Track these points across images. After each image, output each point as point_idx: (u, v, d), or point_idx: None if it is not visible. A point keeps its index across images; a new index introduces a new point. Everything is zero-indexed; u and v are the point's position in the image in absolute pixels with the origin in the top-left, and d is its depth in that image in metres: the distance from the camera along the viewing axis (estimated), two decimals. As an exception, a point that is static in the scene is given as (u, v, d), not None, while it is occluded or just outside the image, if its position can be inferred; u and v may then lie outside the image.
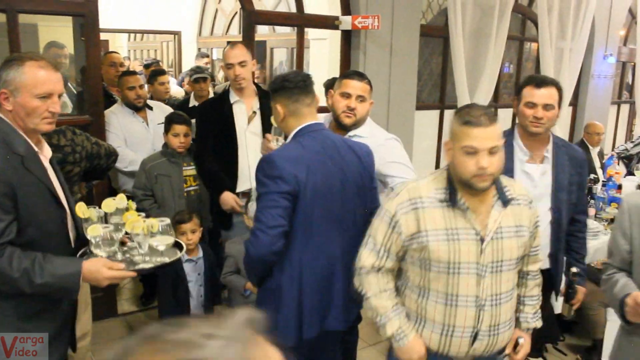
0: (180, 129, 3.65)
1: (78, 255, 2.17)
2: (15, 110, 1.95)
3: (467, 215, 1.97)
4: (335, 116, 2.87)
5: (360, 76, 2.90)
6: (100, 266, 2.00)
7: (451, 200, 1.97)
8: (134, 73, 4.31)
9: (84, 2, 3.62)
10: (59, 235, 2.09)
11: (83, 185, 3.27)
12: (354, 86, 2.83)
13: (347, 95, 2.83)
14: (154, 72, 5.44)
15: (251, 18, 4.30)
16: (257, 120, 3.56)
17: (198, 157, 3.64)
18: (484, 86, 5.47)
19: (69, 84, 4.52)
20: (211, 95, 5.05)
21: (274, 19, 5.05)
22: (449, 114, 5.72)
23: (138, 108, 4.20)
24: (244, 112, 3.54)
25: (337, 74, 4.80)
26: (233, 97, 3.52)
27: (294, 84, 2.33)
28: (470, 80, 5.34)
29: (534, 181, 2.74)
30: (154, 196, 3.65)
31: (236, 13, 8.09)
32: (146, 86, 5.13)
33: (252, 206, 2.68)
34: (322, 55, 5.54)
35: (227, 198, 3.37)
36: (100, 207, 2.26)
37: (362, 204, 2.41)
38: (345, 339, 2.75)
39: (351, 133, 2.82)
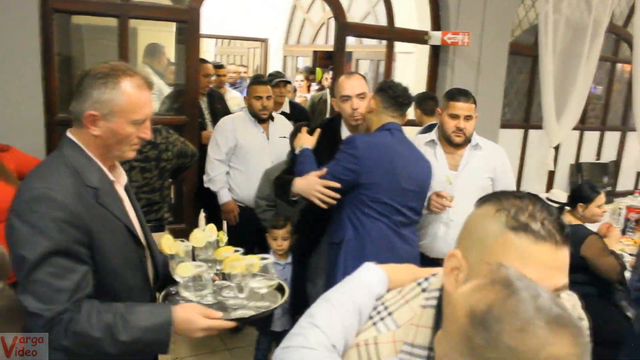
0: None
1: (161, 298, 1.87)
2: (104, 136, 1.62)
3: None
4: (445, 135, 3.10)
5: (466, 96, 3.06)
6: (194, 314, 1.63)
7: None
8: (263, 83, 4.15)
9: (187, 10, 3.86)
10: (137, 279, 1.75)
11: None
12: (461, 107, 3.03)
13: (455, 117, 3.04)
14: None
15: (344, 30, 4.42)
16: None
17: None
18: (571, 107, 5.37)
19: (164, 83, 4.80)
20: (286, 102, 5.09)
21: (365, 31, 5.15)
22: (533, 133, 5.66)
23: (262, 119, 4.03)
24: None
25: (423, 88, 4.86)
26: (345, 131, 3.08)
27: (394, 95, 2.78)
28: (557, 100, 5.26)
29: None
30: (277, 207, 3.57)
31: (324, 23, 8.26)
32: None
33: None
34: (409, 69, 5.59)
35: (306, 180, 2.95)
36: (187, 240, 1.92)
37: (417, 204, 2.81)
38: None
39: (473, 143, 3.13)
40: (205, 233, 1.97)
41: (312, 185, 2.65)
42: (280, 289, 1.97)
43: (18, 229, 1.48)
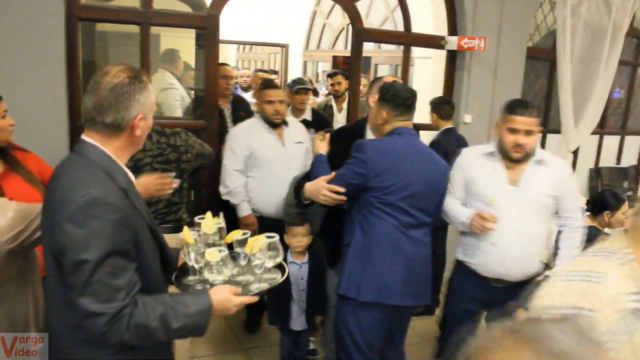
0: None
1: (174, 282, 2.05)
2: (141, 134, 1.75)
3: None
4: (504, 149, 2.86)
5: (526, 108, 2.80)
6: (228, 294, 1.83)
7: None
8: (275, 86, 3.96)
9: (206, 17, 3.95)
10: (159, 272, 1.87)
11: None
12: (521, 122, 2.78)
13: (514, 131, 2.79)
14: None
15: (360, 35, 4.47)
16: None
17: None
18: (590, 112, 5.34)
19: (183, 87, 4.89)
20: (308, 110, 4.90)
21: (382, 37, 5.20)
22: (551, 138, 5.64)
23: (275, 124, 3.86)
24: None
25: (440, 93, 4.89)
26: (369, 134, 3.15)
27: (403, 101, 2.74)
28: (576, 105, 5.24)
29: None
30: (306, 213, 3.46)
31: (343, 29, 8.32)
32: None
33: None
34: (426, 73, 5.62)
35: (314, 184, 2.98)
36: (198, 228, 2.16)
37: (428, 206, 2.78)
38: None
39: (537, 158, 2.88)
40: (215, 220, 2.20)
41: (319, 188, 2.73)
42: (280, 267, 2.20)
43: (74, 234, 1.54)
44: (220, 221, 2.26)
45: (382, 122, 2.79)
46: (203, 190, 4.24)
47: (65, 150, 3.38)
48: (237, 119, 4.73)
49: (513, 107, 2.82)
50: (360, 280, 2.67)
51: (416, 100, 2.80)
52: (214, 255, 1.96)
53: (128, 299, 1.57)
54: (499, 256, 2.85)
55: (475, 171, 2.95)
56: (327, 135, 3.11)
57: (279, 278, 2.11)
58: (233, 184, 3.78)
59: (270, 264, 2.10)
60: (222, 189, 3.85)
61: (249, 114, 4.93)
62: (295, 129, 4.04)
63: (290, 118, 4.16)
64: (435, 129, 4.49)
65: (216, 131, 4.19)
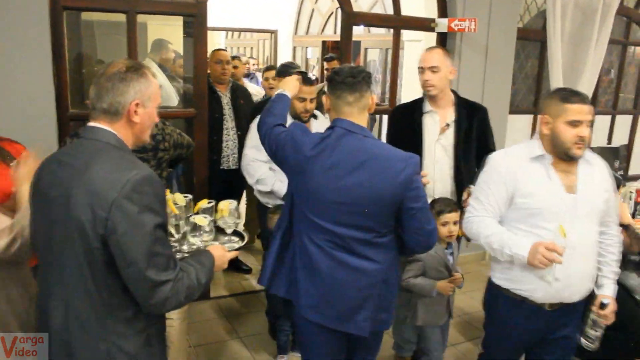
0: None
1: None
2: (141, 121, 1.80)
3: None
4: (563, 147, 2.39)
5: (582, 96, 2.40)
6: (222, 251, 2.04)
7: None
8: (310, 82, 3.57)
9: (195, 4, 3.89)
10: None
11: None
12: (582, 111, 2.36)
13: (576, 123, 2.35)
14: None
15: (349, 19, 4.43)
16: (450, 133, 3.38)
17: None
18: (581, 91, 5.33)
19: (177, 78, 4.85)
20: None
21: (371, 20, 5.17)
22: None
23: (304, 121, 3.49)
24: (437, 123, 3.39)
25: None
26: (427, 106, 3.39)
27: (341, 79, 2.24)
28: (567, 85, 5.22)
29: None
30: None
31: (332, 13, 8.26)
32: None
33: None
34: (417, 56, 5.57)
35: None
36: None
37: (354, 217, 2.20)
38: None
39: (586, 157, 2.47)
40: (182, 195, 2.43)
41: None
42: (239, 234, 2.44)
43: (132, 211, 1.61)
44: (189, 195, 2.49)
45: (327, 109, 2.36)
46: (194, 180, 4.21)
47: (53, 141, 3.35)
48: (236, 107, 4.74)
49: (568, 97, 2.37)
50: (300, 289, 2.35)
51: (363, 81, 2.25)
52: (203, 220, 2.19)
53: (178, 265, 1.73)
54: (563, 285, 2.40)
55: (523, 181, 2.43)
56: (295, 76, 2.88)
57: (241, 242, 2.34)
58: (259, 172, 3.51)
59: (235, 226, 2.35)
60: (250, 180, 3.60)
61: (248, 102, 4.95)
62: (323, 123, 3.72)
63: (318, 112, 3.74)
64: (427, 112, 4.47)
65: (207, 119, 4.15)
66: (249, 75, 7.64)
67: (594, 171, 2.47)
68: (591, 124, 2.40)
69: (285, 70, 4.81)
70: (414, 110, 3.45)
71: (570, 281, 2.39)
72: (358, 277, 2.25)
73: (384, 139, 4.33)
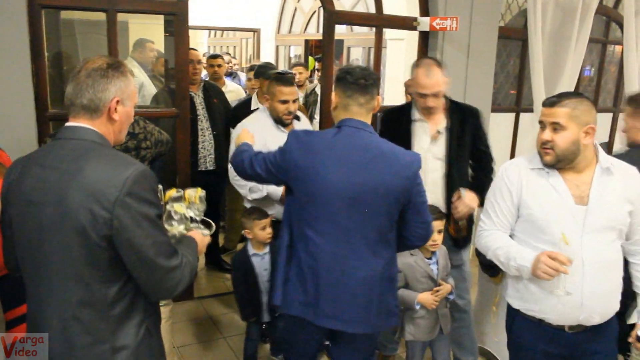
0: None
1: None
2: (121, 119, 1.80)
3: None
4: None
5: (550, 100, 2.31)
6: (200, 236, 2.09)
7: None
8: (290, 83, 3.50)
9: (175, 2, 3.86)
10: None
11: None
12: (544, 113, 2.30)
13: (541, 126, 2.31)
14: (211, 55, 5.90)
15: (332, 18, 4.42)
16: (442, 141, 3.15)
17: None
18: (562, 90, 5.36)
19: (158, 77, 4.82)
20: None
21: (353, 19, 5.16)
22: (524, 117, 5.69)
23: (286, 125, 3.47)
24: (427, 131, 3.16)
25: (413, 74, 4.87)
26: (415, 114, 3.18)
27: (354, 80, 2.32)
28: (548, 83, 5.27)
29: None
30: None
31: (315, 12, 8.26)
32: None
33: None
34: (399, 55, 5.61)
35: None
36: None
37: (365, 213, 2.27)
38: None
39: (604, 165, 2.30)
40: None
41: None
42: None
43: (134, 206, 1.62)
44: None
45: (334, 107, 2.42)
46: (177, 180, 4.19)
47: (33, 141, 3.30)
48: (210, 107, 4.64)
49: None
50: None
51: (374, 84, 2.37)
52: (181, 208, 2.18)
53: (178, 250, 1.79)
54: (576, 301, 2.23)
55: (527, 191, 2.34)
56: (246, 130, 2.91)
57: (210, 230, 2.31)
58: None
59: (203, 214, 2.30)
60: (241, 191, 3.49)
61: (222, 101, 4.87)
62: (306, 124, 3.74)
63: (300, 113, 3.71)
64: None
65: (188, 119, 4.13)
66: (231, 74, 7.63)
67: (613, 180, 2.27)
68: (559, 126, 2.22)
69: (263, 72, 4.83)
70: (401, 117, 3.24)
71: (585, 300, 2.22)
72: (363, 275, 2.30)
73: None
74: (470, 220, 3.27)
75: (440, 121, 3.17)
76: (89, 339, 1.68)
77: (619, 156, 2.59)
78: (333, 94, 2.41)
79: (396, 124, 3.24)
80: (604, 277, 2.25)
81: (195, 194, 2.27)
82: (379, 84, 2.45)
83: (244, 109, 4.57)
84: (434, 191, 3.11)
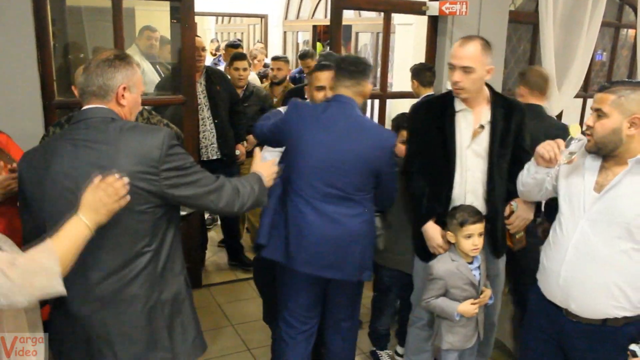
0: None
1: None
2: (129, 105, 1.96)
3: None
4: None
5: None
6: (264, 166, 2.37)
7: None
8: (328, 67, 3.05)
9: (182, -12, 3.82)
10: None
11: None
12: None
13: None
14: (234, 56, 5.07)
15: (339, 3, 4.37)
16: (485, 137, 2.81)
17: (407, 172, 2.99)
18: (573, 75, 5.31)
19: (157, 65, 4.79)
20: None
21: (361, 4, 5.09)
22: (535, 102, 5.61)
23: None
24: (470, 125, 2.81)
25: (422, 59, 4.81)
26: (458, 104, 2.80)
27: (344, 67, 2.70)
28: (559, 68, 5.20)
29: None
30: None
31: (322, -3, 8.19)
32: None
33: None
34: (408, 40, 5.54)
35: (433, 233, 2.87)
36: None
37: (343, 175, 2.63)
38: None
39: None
40: None
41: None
42: None
43: (179, 163, 1.88)
44: None
45: (329, 87, 2.84)
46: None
47: (39, 129, 3.29)
48: (212, 95, 4.50)
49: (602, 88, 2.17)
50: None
51: (361, 71, 2.70)
52: None
53: (218, 176, 2.04)
54: (553, 276, 2.27)
55: (567, 166, 2.29)
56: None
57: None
58: None
59: None
60: None
61: (226, 88, 4.73)
62: None
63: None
64: (417, 96, 4.43)
65: (196, 106, 4.10)
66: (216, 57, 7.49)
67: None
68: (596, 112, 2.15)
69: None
70: (444, 107, 2.84)
71: (561, 281, 2.22)
72: (344, 228, 2.66)
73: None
74: (526, 230, 2.98)
75: (484, 114, 2.82)
76: (135, 294, 1.89)
77: None
78: (331, 77, 2.81)
79: (435, 118, 2.86)
80: (588, 268, 2.16)
81: None
82: (368, 73, 2.76)
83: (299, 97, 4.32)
84: (473, 191, 2.85)
